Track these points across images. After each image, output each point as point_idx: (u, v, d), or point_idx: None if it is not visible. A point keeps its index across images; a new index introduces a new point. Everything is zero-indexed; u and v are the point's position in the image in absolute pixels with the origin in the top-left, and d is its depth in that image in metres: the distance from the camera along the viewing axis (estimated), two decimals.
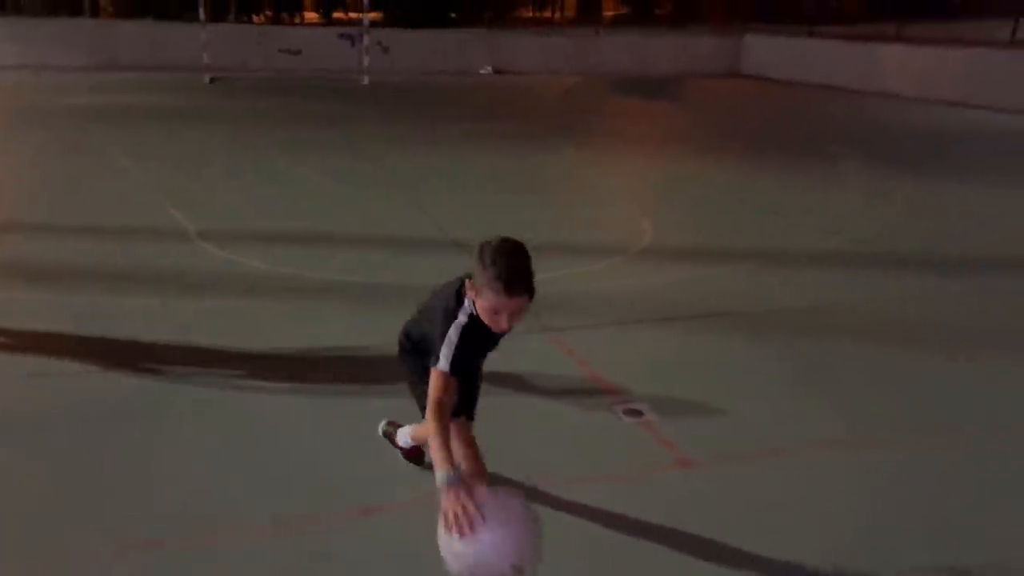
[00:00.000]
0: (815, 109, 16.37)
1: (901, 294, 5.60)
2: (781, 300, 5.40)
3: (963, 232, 7.24)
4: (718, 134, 13.09)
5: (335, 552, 2.78)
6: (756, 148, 11.43)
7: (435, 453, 2.24)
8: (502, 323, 2.30)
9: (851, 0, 36.41)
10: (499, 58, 21.47)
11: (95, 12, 25.60)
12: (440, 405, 2.34)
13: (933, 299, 5.52)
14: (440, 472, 2.18)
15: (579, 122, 13.65)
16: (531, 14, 41.09)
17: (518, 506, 2.20)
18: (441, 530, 2.14)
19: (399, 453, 3.24)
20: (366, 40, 18.73)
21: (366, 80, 17.94)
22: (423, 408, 2.56)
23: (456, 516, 2.09)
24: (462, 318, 2.37)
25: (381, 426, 3.30)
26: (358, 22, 21.25)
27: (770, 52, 21.87)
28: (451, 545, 2.11)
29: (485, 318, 2.32)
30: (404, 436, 3.16)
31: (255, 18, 30.89)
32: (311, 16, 37.07)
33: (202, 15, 17.63)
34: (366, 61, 18.34)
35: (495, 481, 3.05)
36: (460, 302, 2.40)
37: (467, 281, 2.36)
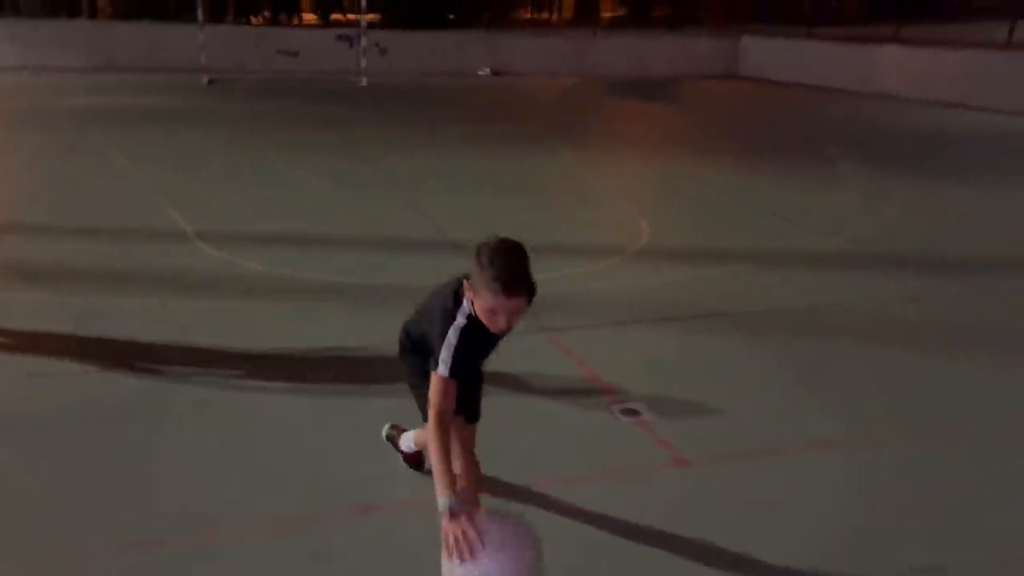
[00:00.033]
0: (813, 110, 16.40)
1: (899, 294, 5.61)
2: (779, 300, 5.41)
3: (961, 233, 7.26)
4: (716, 135, 13.11)
5: (335, 552, 2.79)
6: (754, 149, 11.45)
7: (437, 473, 2.25)
8: (500, 324, 2.30)
9: (850, 1, 36.49)
10: (497, 59, 21.49)
11: (93, 13, 25.58)
12: (442, 418, 2.33)
13: (932, 299, 5.53)
14: (441, 497, 2.20)
15: (577, 123, 13.67)
16: (529, 15, 41.08)
17: (520, 531, 2.22)
18: (444, 553, 2.16)
19: (400, 457, 3.24)
20: (364, 41, 18.73)
21: (364, 81, 17.94)
22: (422, 408, 2.57)
23: (457, 541, 2.11)
24: (460, 319, 2.37)
25: (385, 430, 3.30)
26: (356, 23, 21.25)
27: (768, 53, 21.91)
28: (452, 571, 2.13)
29: (483, 318, 2.32)
30: (407, 440, 3.16)
31: (253, 19, 30.84)
32: (309, 17, 37.03)
33: (200, 16, 17.63)
34: (364, 62, 18.34)
35: (494, 482, 3.07)
36: (458, 302, 2.39)
37: (465, 282, 2.35)
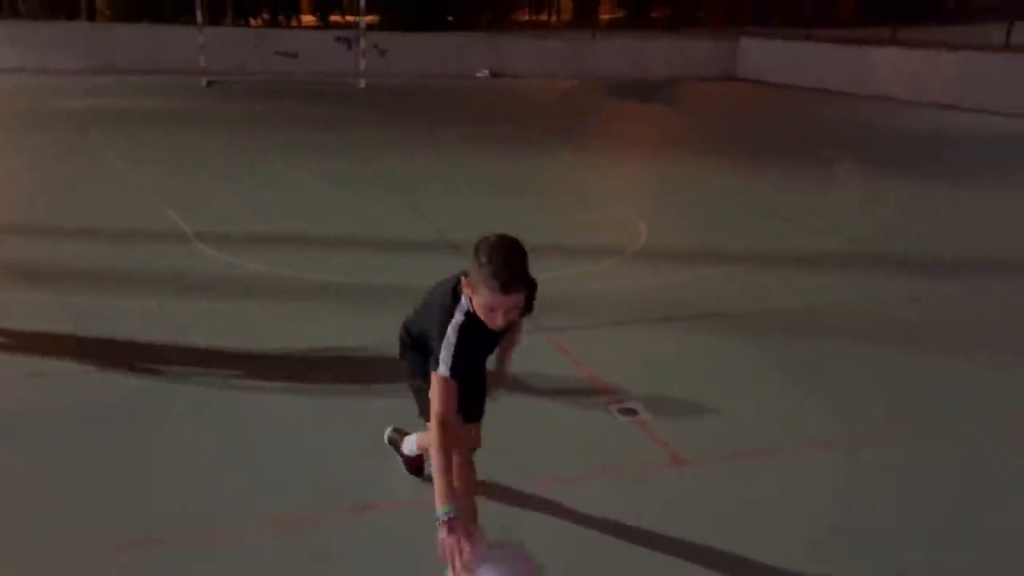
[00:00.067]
0: (810, 112, 16.43)
1: (898, 295, 5.63)
2: (778, 301, 5.43)
3: (958, 234, 7.28)
4: (714, 137, 13.13)
5: (334, 551, 2.80)
6: (752, 151, 11.47)
7: (437, 482, 2.26)
8: (498, 320, 2.29)
9: (848, 4, 36.57)
10: (496, 61, 21.51)
11: (92, 15, 25.59)
12: (444, 424, 2.33)
13: (929, 300, 5.55)
14: (440, 507, 2.22)
15: (575, 125, 13.69)
16: (528, 17, 41.14)
17: (516, 552, 2.27)
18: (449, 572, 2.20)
19: (400, 463, 3.22)
20: (363, 43, 18.75)
21: (363, 83, 17.96)
22: (422, 406, 2.57)
23: (451, 554, 2.15)
24: (458, 317, 2.36)
25: (387, 433, 3.28)
26: (355, 25, 21.28)
27: (766, 55, 21.95)
28: None
29: (481, 315, 2.32)
30: (410, 444, 3.14)
31: (252, 21, 30.88)
32: (308, 19, 37.08)
33: (199, 18, 17.65)
34: (363, 64, 18.36)
35: (492, 482, 3.08)
36: (456, 299, 2.39)
37: (463, 278, 2.35)
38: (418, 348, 2.61)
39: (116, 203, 7.45)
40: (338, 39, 20.96)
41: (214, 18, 22.94)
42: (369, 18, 20.90)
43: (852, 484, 3.30)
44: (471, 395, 2.70)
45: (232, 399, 3.85)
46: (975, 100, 15.93)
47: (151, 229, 6.58)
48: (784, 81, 20.72)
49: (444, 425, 2.33)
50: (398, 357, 2.76)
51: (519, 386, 3.98)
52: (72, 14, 24.45)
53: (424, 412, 2.49)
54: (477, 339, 2.41)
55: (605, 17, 39.21)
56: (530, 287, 2.36)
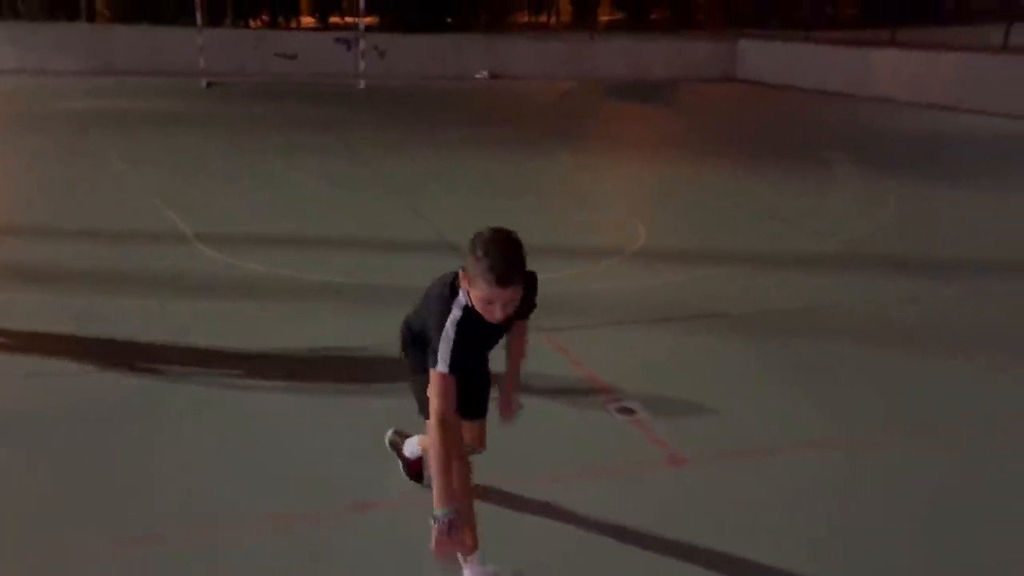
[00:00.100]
0: (809, 114, 16.44)
1: (897, 296, 5.63)
2: (776, 302, 5.44)
3: (956, 235, 7.29)
4: (713, 138, 13.14)
5: (334, 550, 2.80)
6: (751, 152, 11.48)
7: (436, 482, 2.27)
8: (496, 313, 2.28)
9: (846, 5, 36.62)
10: (495, 63, 21.53)
11: (92, 17, 25.59)
12: (443, 422, 2.32)
13: (928, 301, 5.56)
14: (437, 509, 2.23)
15: (575, 127, 13.70)
16: (527, 19, 41.16)
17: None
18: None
19: (401, 467, 3.20)
20: (362, 44, 18.77)
21: (362, 84, 17.97)
22: (420, 402, 2.56)
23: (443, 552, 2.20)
24: (456, 312, 2.35)
25: (388, 435, 3.26)
26: (354, 26, 21.29)
27: (765, 57, 21.96)
28: None
29: (479, 308, 2.31)
30: (411, 446, 3.13)
31: (252, 22, 30.88)
32: (307, 20, 37.08)
33: (198, 19, 17.65)
34: (362, 65, 18.37)
35: (491, 481, 3.09)
36: (455, 293, 2.38)
37: (461, 272, 2.34)
38: (419, 344, 2.60)
39: (116, 204, 7.45)
40: (337, 40, 20.98)
41: (213, 19, 22.93)
42: (368, 19, 20.92)
43: (851, 485, 3.31)
44: (473, 391, 2.69)
45: (232, 399, 3.86)
46: (974, 101, 15.94)
47: (151, 230, 6.58)
48: (783, 82, 20.73)
49: (443, 423, 2.33)
50: (400, 353, 2.75)
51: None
52: (72, 15, 24.45)
53: (424, 410, 2.49)
54: (476, 333, 2.39)
55: (604, 19, 39.21)
56: (528, 280, 2.36)
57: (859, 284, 5.85)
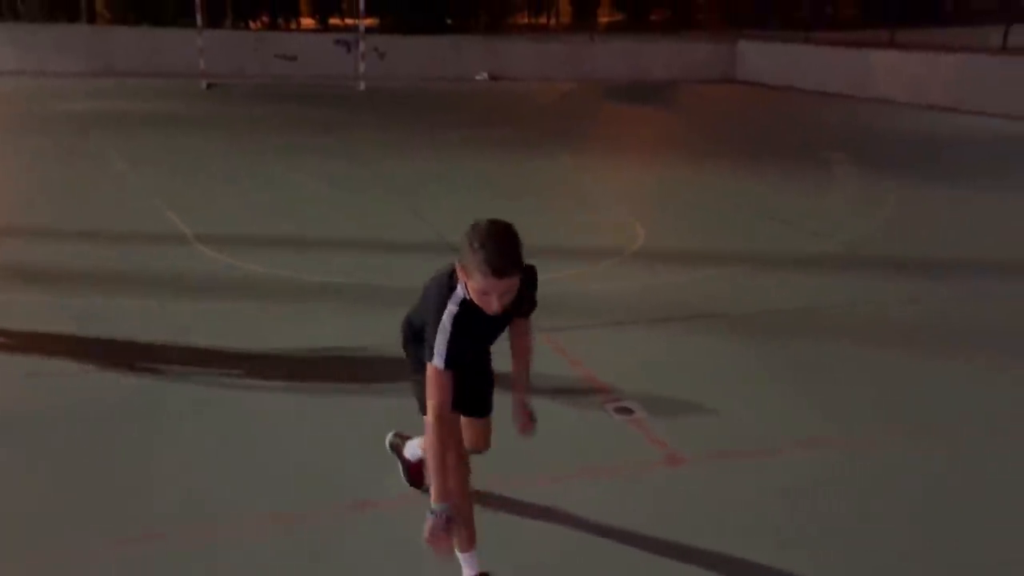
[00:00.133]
0: (809, 115, 16.45)
1: (896, 296, 5.63)
2: (776, 302, 5.44)
3: (956, 236, 7.29)
4: (713, 139, 13.15)
5: (334, 549, 2.81)
6: (751, 153, 11.49)
7: (433, 479, 2.27)
8: (493, 304, 2.26)
9: (847, 7, 36.64)
10: (495, 64, 21.53)
11: (92, 18, 25.61)
12: (440, 418, 2.32)
13: (927, 302, 5.56)
14: (433, 505, 2.24)
15: (574, 128, 13.70)
16: (526, 20, 41.19)
17: None
18: None
19: (401, 471, 3.17)
20: (362, 46, 18.78)
21: (362, 86, 17.98)
22: (420, 400, 2.56)
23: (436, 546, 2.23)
24: (452, 306, 2.34)
25: (389, 438, 3.25)
26: (354, 28, 21.30)
27: (765, 58, 21.97)
28: None
29: (476, 299, 2.29)
30: (412, 448, 3.11)
31: (252, 24, 30.89)
32: (307, 22, 37.10)
33: (199, 21, 17.67)
34: (362, 67, 18.38)
35: (490, 481, 3.09)
36: (452, 287, 2.37)
37: (457, 264, 2.33)
38: (419, 341, 2.59)
39: (116, 205, 7.46)
40: (337, 42, 20.99)
41: (213, 21, 22.94)
42: (368, 21, 20.92)
43: (850, 485, 3.31)
44: (475, 388, 2.69)
45: (232, 399, 3.86)
46: (973, 102, 15.95)
47: (151, 231, 6.59)
48: (783, 83, 20.74)
49: (440, 419, 2.32)
50: (402, 350, 2.73)
51: None
52: (72, 17, 24.46)
53: (423, 407, 2.48)
54: (474, 327, 2.38)
55: (604, 20, 39.23)
56: (527, 274, 2.36)
57: (859, 284, 5.85)
